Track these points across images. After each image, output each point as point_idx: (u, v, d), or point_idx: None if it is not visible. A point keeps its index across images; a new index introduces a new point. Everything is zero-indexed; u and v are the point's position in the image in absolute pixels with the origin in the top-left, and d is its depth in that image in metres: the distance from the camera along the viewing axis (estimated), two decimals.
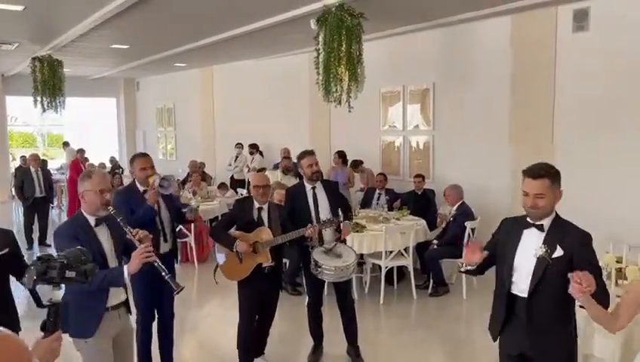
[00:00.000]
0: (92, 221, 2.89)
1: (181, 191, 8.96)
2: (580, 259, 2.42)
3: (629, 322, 2.41)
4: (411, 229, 6.18)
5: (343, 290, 4.43)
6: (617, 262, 3.67)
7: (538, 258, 2.49)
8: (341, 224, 4.28)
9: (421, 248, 6.60)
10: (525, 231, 2.61)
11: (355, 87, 5.96)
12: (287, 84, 10.73)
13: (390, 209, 7.31)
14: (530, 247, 2.55)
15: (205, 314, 5.93)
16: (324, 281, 4.44)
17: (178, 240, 7.35)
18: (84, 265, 2.03)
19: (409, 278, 6.25)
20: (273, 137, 11.14)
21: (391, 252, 6.05)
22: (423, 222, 6.73)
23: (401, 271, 6.59)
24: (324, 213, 4.29)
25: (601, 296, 2.32)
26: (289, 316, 5.45)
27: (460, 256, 6.20)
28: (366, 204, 7.91)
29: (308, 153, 4.46)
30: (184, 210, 4.17)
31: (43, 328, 1.80)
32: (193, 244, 7.68)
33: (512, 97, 7.09)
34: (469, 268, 2.70)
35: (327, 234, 4.34)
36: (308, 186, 4.41)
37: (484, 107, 7.48)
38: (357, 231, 6.03)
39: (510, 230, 2.70)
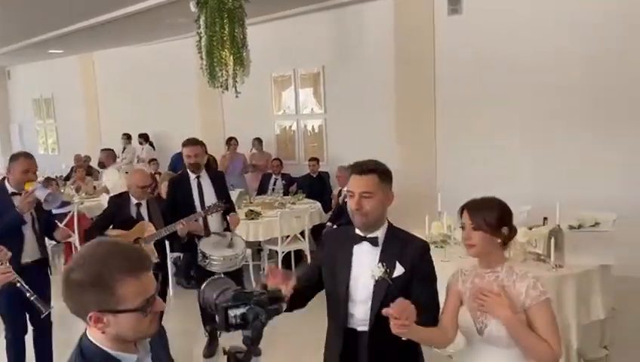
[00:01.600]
0: None
1: (62, 188, 8.33)
2: (420, 273, 2.03)
3: (457, 331, 2.04)
4: (306, 213, 6.24)
5: (234, 280, 4.34)
6: None
7: (376, 280, 1.98)
8: (227, 216, 4.18)
9: (317, 230, 6.66)
10: (356, 248, 2.07)
11: (241, 71, 5.84)
12: (175, 71, 10.24)
13: (286, 193, 7.30)
14: (364, 267, 2.02)
15: None
16: (213, 273, 4.32)
17: (61, 241, 6.93)
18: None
19: (307, 261, 6.29)
20: (163, 126, 10.65)
21: (287, 237, 6.06)
22: (318, 204, 6.80)
23: (299, 254, 6.61)
24: (210, 202, 4.15)
25: (430, 317, 1.98)
26: (184, 310, 5.24)
27: None
28: (262, 189, 7.84)
29: (188, 142, 4.25)
30: (61, 208, 3.81)
31: None
32: (78, 245, 7.15)
33: (397, 80, 7.31)
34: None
35: (214, 223, 4.22)
36: (192, 176, 4.25)
37: (371, 89, 7.65)
38: (252, 219, 5.97)
39: (336, 247, 2.13)
